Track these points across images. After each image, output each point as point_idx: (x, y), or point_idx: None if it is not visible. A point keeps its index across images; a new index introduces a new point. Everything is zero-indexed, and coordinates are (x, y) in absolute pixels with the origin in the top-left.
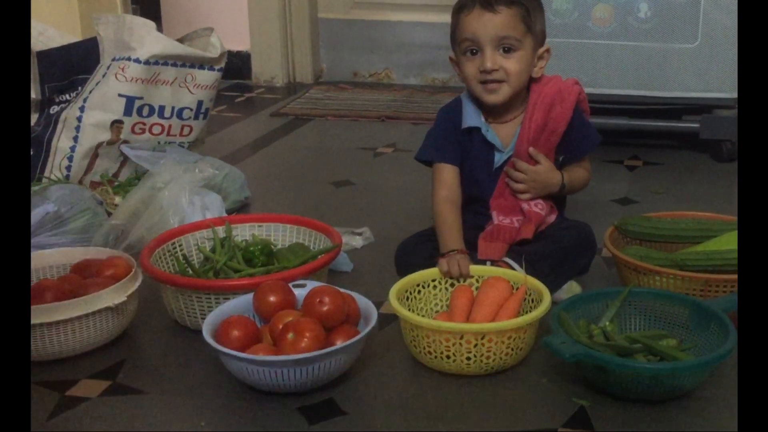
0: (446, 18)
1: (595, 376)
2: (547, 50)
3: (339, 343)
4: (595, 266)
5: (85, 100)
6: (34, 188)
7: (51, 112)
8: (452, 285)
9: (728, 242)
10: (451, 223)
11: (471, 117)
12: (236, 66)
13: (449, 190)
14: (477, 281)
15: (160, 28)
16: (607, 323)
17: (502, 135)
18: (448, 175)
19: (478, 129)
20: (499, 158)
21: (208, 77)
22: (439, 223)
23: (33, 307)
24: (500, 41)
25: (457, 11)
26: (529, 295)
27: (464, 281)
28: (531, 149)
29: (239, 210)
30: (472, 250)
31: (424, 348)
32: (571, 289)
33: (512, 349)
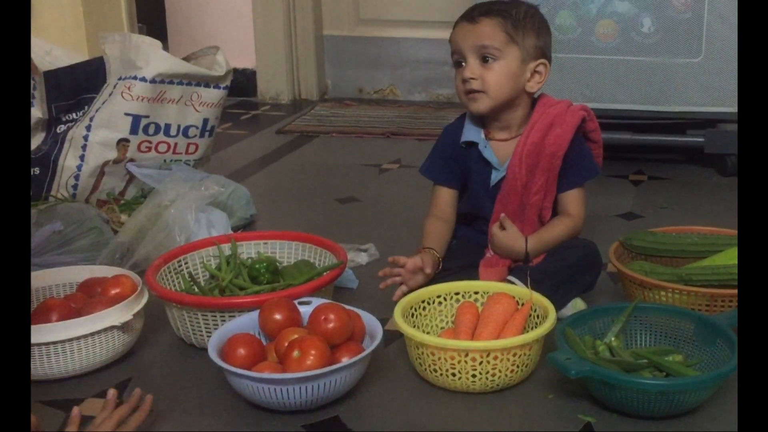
0: (450, 34)
1: (601, 393)
2: (543, 65)
3: (344, 361)
4: (600, 281)
5: (91, 119)
6: (40, 207)
7: (58, 131)
8: (457, 301)
9: (733, 257)
10: (429, 231)
11: (470, 132)
12: (242, 83)
13: (440, 210)
14: (482, 297)
15: (166, 47)
16: (613, 339)
17: (501, 153)
18: (442, 198)
19: (476, 144)
20: (495, 176)
21: (213, 95)
22: (422, 233)
23: (39, 326)
24: (479, 50)
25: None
26: (534, 311)
27: (469, 297)
28: (502, 215)
29: (245, 227)
30: (474, 272)
31: (429, 365)
32: (576, 305)
33: (518, 366)
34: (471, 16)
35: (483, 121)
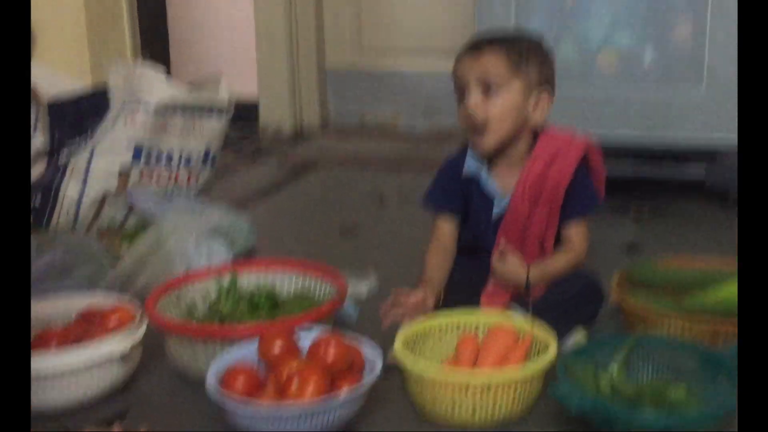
0: (453, 64)
1: (602, 427)
2: (546, 95)
3: (343, 392)
4: (602, 313)
5: (93, 149)
6: (40, 236)
7: (59, 160)
8: (458, 334)
9: (736, 289)
10: (430, 262)
11: (472, 164)
12: (244, 113)
13: (441, 242)
14: (483, 329)
15: (169, 75)
16: (615, 371)
17: (503, 184)
18: (442, 228)
19: (477, 176)
20: (497, 207)
21: (215, 125)
22: (423, 264)
23: (37, 356)
24: (482, 81)
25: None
26: (536, 343)
27: (469, 330)
28: (502, 242)
29: (245, 257)
30: (476, 304)
31: (429, 399)
32: (578, 337)
33: (518, 400)
34: (474, 47)
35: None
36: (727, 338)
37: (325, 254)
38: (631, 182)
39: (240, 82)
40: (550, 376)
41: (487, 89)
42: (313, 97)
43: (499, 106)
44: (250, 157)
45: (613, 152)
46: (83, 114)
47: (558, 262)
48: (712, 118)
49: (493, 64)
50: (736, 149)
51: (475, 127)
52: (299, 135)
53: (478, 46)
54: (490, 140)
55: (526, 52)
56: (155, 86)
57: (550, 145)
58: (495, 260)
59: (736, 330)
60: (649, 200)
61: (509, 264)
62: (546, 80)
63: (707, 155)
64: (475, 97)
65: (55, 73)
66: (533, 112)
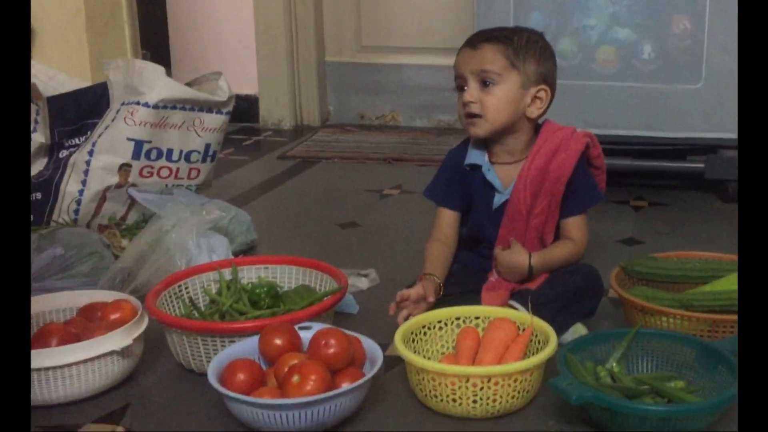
0: (451, 60)
1: (602, 419)
2: (544, 90)
3: (344, 386)
4: (601, 307)
5: (93, 144)
6: (41, 232)
7: (60, 156)
8: (458, 326)
9: (735, 282)
10: (430, 255)
11: (474, 155)
12: (244, 109)
13: (442, 233)
14: (483, 322)
15: (169, 73)
16: (614, 364)
17: (504, 176)
18: (444, 219)
19: (479, 168)
20: (498, 199)
21: (215, 121)
22: (424, 256)
23: (38, 351)
24: (480, 75)
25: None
26: (536, 336)
27: (469, 322)
28: (511, 239)
29: (246, 252)
30: (476, 297)
31: (430, 391)
32: (578, 330)
33: (519, 392)
34: (473, 41)
35: (486, 144)
36: (725, 331)
37: (325, 249)
38: (631, 176)
39: (240, 78)
40: (550, 369)
41: (485, 82)
42: (313, 93)
43: (495, 99)
44: (250, 152)
45: (613, 147)
46: (83, 110)
47: (559, 251)
48: (710, 112)
49: (491, 57)
50: (734, 143)
51: (471, 120)
52: (299, 130)
53: (477, 39)
54: (483, 128)
55: (525, 47)
56: (155, 82)
57: (551, 139)
58: (498, 251)
59: (734, 323)
60: (648, 194)
61: (513, 252)
62: (544, 75)
63: (706, 149)
64: (472, 90)
65: (54, 69)
66: (530, 107)
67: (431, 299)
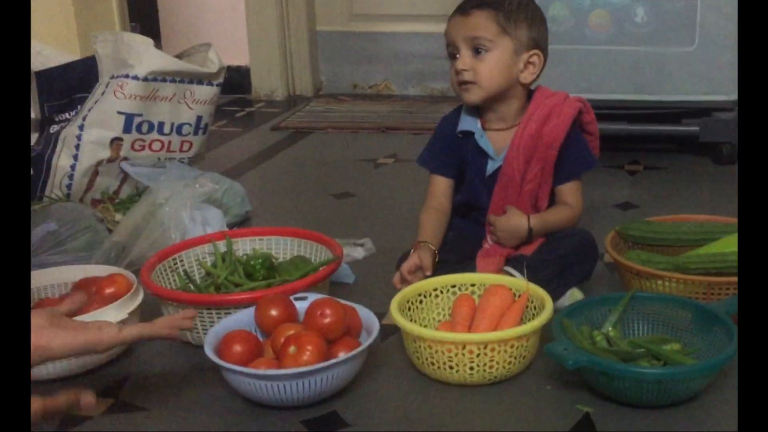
0: (444, 28)
1: (598, 383)
2: (536, 55)
3: (341, 356)
4: (597, 271)
5: (84, 119)
6: (34, 207)
7: (51, 131)
8: (454, 294)
9: (730, 244)
10: (425, 222)
11: (467, 122)
12: (236, 81)
13: (436, 200)
14: (479, 289)
15: (159, 45)
16: (610, 329)
17: (497, 143)
18: (438, 187)
19: (472, 134)
20: (491, 166)
21: (206, 92)
22: (418, 224)
23: None
24: (472, 42)
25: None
26: (531, 302)
27: (465, 290)
28: (507, 206)
29: (240, 224)
30: (471, 264)
31: (427, 359)
32: (574, 296)
33: (515, 358)
34: (464, 8)
35: (479, 111)
36: (720, 293)
37: (320, 219)
38: (625, 140)
39: (232, 50)
40: (546, 334)
41: (476, 48)
42: (305, 63)
43: (488, 66)
44: (243, 124)
45: (607, 111)
46: (72, 84)
47: (556, 214)
48: (704, 75)
49: (482, 24)
50: (729, 105)
51: (465, 86)
52: (292, 101)
53: (468, 6)
54: (477, 95)
55: (516, 12)
56: (144, 55)
57: (544, 104)
58: (493, 218)
59: (729, 284)
60: (643, 158)
61: (511, 215)
62: (536, 40)
63: (701, 111)
64: (464, 57)
65: (41, 44)
66: (523, 72)
67: (429, 272)
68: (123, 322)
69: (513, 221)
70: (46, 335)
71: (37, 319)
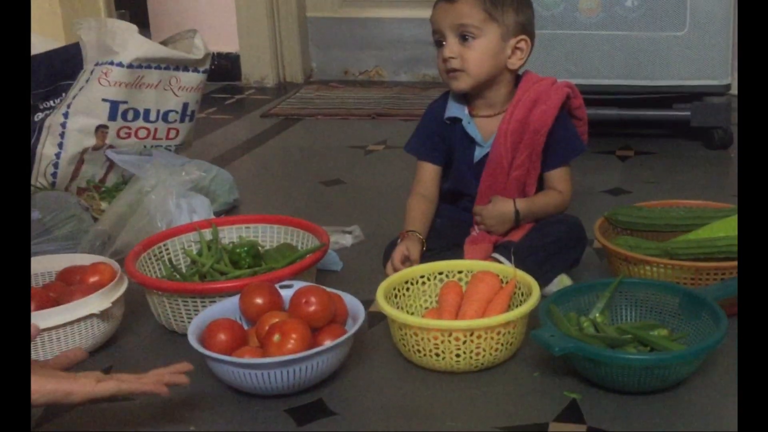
0: None
1: (586, 369)
2: (524, 41)
3: (326, 344)
4: (586, 257)
5: (68, 106)
6: None
7: (35, 119)
8: (441, 281)
9: (719, 230)
10: (412, 210)
11: (454, 108)
12: (226, 68)
13: (424, 187)
14: (466, 276)
15: (147, 32)
16: (597, 315)
17: (485, 129)
18: (425, 174)
19: (460, 121)
20: (479, 152)
21: (192, 79)
22: (406, 212)
23: None
24: (458, 29)
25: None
26: (519, 289)
27: (452, 276)
28: (492, 197)
29: (228, 212)
30: (459, 251)
31: (413, 346)
32: (562, 282)
33: (502, 345)
34: None
35: (466, 98)
36: (708, 278)
37: (309, 206)
38: (616, 125)
39: (221, 36)
40: (533, 321)
41: (464, 36)
42: (295, 49)
43: (476, 53)
44: (232, 111)
45: (598, 96)
46: (56, 71)
47: (543, 199)
48: (696, 59)
49: (469, 11)
50: (720, 89)
51: (453, 74)
52: (282, 88)
53: None
54: (466, 82)
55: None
56: (128, 41)
57: (531, 90)
58: (479, 208)
59: (717, 270)
60: (634, 143)
61: (496, 202)
62: (523, 25)
63: (692, 96)
64: (451, 45)
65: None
66: (511, 58)
67: (414, 253)
68: (106, 311)
69: (498, 207)
70: None
71: None
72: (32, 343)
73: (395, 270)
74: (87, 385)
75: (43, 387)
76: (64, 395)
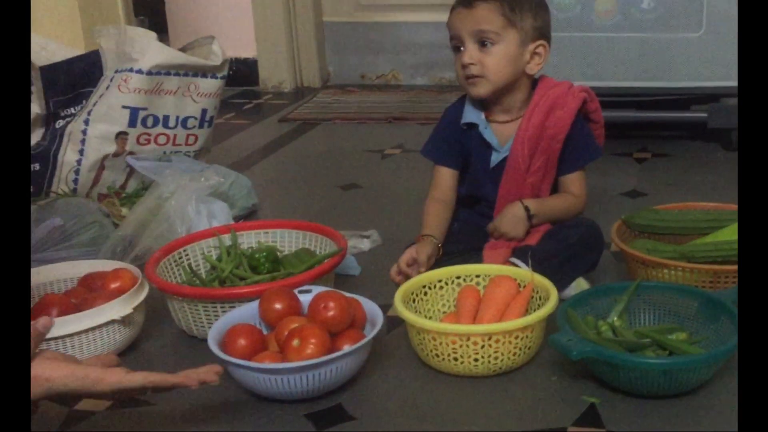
0: None
1: (604, 373)
2: (542, 46)
3: (345, 348)
4: (603, 261)
5: (89, 113)
6: (40, 203)
7: (56, 126)
8: (459, 285)
9: (736, 232)
10: (429, 214)
11: (471, 114)
12: (244, 73)
13: (440, 191)
14: (483, 280)
15: (166, 38)
16: (615, 318)
17: (502, 135)
18: (442, 178)
19: (476, 126)
20: (495, 157)
21: (211, 85)
22: (423, 216)
23: None
24: (477, 35)
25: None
26: (537, 293)
27: (470, 281)
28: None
29: (247, 217)
30: (476, 256)
31: (431, 351)
32: (580, 285)
33: (520, 349)
34: (467, 0)
35: (483, 103)
36: (727, 281)
37: (327, 211)
38: (633, 128)
39: (239, 42)
40: (551, 325)
41: (482, 42)
42: (312, 54)
43: (495, 59)
44: (250, 116)
45: (614, 98)
46: (77, 79)
47: (556, 200)
48: (712, 61)
49: (488, 16)
50: (736, 91)
51: (472, 80)
52: (300, 93)
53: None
54: (485, 88)
55: (520, 3)
56: (147, 48)
57: (548, 95)
58: (491, 226)
59: (736, 273)
60: (651, 145)
61: (504, 211)
62: (541, 30)
63: (709, 98)
64: (470, 51)
65: (45, 39)
66: (530, 64)
67: (422, 268)
68: (127, 317)
69: (508, 213)
70: (48, 366)
71: (47, 353)
72: (54, 349)
73: (400, 272)
74: (117, 374)
75: (74, 372)
76: (93, 382)
